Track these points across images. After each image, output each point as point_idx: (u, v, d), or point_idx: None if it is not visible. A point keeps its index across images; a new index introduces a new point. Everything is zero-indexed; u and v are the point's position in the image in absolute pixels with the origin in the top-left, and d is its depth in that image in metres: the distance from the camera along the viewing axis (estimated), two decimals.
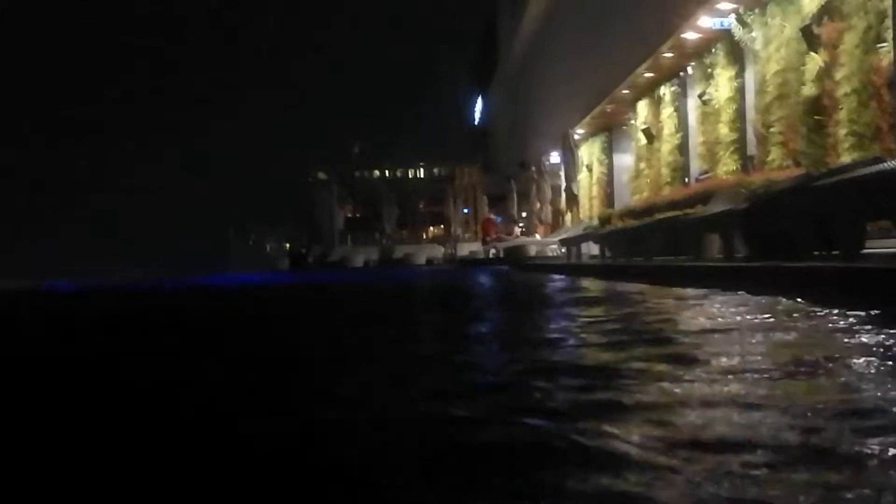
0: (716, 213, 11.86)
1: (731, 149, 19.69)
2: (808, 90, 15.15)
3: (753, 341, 4.96)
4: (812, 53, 14.95)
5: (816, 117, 14.93)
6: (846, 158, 13.20)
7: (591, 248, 26.33)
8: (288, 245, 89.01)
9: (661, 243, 15.73)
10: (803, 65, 15.36)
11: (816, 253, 8.53)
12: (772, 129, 16.77)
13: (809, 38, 14.86)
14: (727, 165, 19.65)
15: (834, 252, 8.25)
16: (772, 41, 16.80)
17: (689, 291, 9.39)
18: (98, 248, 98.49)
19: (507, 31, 63.43)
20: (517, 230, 46.85)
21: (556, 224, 39.92)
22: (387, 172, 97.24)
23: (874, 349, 4.21)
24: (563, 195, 37.08)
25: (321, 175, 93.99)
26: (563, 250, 31.89)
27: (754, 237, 9.87)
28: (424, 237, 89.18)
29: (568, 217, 37.20)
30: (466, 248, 62.10)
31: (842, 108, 14.00)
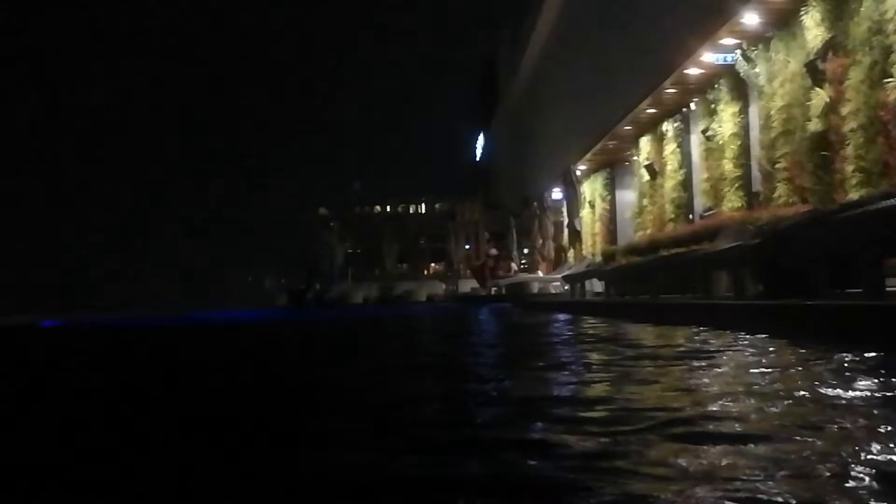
0: (725, 249, 11.59)
1: (736, 185, 19.52)
2: (814, 126, 15.00)
3: None
4: (817, 89, 14.82)
5: (823, 153, 14.77)
6: (854, 195, 12.99)
7: (595, 285, 26.11)
8: (283, 281, 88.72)
9: (667, 280, 15.49)
10: (809, 100, 15.22)
11: (838, 291, 8.18)
12: (777, 166, 16.61)
13: (814, 73, 14.76)
14: (732, 202, 19.47)
15: (849, 290, 7.97)
16: (776, 76, 16.71)
17: (725, 338, 8.10)
18: (83, 285, 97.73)
19: (508, 68, 63.80)
20: (514, 266, 46.69)
21: (558, 260, 39.77)
22: (388, 208, 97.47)
23: None
24: (566, 231, 37.00)
25: (322, 211, 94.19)
26: (566, 287, 31.67)
27: (768, 273, 9.58)
28: (425, 273, 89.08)
29: (570, 253, 37.05)
30: (468, 285, 62.00)
31: (848, 144, 13.83)
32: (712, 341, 8.15)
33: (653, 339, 9.31)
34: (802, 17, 15.39)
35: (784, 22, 16.40)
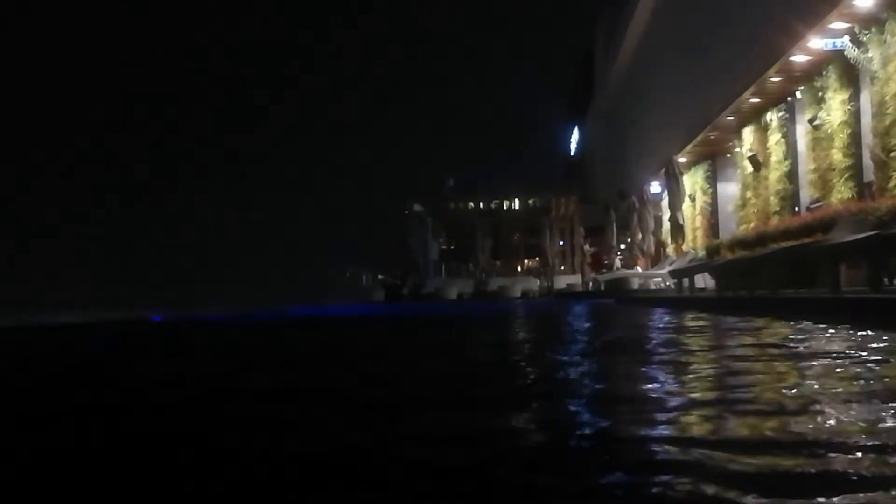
0: (856, 239, 10.87)
1: (846, 175, 18.76)
2: None
3: None
4: None
5: None
6: None
7: (696, 280, 25.52)
8: (381, 276, 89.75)
9: (785, 274, 14.82)
10: None
11: None
12: (892, 154, 15.90)
13: None
14: (841, 193, 18.73)
15: None
16: (892, 60, 15.98)
17: None
18: (188, 282, 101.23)
19: (605, 59, 63.01)
20: (618, 262, 45.83)
21: (658, 256, 39.03)
22: (481, 204, 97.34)
23: None
24: (667, 225, 36.27)
25: (416, 207, 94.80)
26: (668, 283, 31.06)
27: None
28: (519, 269, 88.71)
29: (670, 248, 36.31)
30: (563, 281, 61.46)
31: None
32: None
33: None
34: None
35: None
